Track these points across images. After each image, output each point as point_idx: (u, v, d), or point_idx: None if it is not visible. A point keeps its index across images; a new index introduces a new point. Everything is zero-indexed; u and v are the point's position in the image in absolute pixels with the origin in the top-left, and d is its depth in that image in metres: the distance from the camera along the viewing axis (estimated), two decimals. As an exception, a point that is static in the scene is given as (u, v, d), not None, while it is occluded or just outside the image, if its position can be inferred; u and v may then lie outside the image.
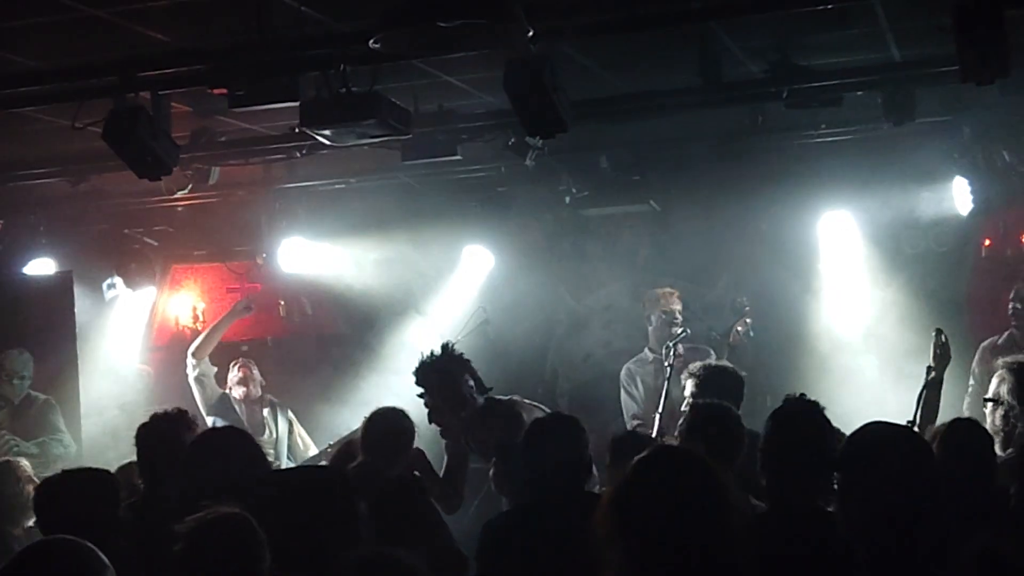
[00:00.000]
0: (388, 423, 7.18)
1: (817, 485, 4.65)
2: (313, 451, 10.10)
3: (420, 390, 7.86)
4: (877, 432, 4.36)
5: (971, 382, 9.23)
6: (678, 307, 10.04)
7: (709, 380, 7.24)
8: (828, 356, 10.49)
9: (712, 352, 9.54)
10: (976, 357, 9.41)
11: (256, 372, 10.73)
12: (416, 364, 7.89)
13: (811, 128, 9.36)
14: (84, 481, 5.57)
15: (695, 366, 7.64)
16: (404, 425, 7.19)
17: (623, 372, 10.06)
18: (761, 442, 5.22)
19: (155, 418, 6.37)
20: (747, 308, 9.99)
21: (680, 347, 9.49)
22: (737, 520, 3.46)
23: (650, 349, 10.09)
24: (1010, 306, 9.57)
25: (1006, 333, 9.55)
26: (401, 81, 7.85)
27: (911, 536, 4.12)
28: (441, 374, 7.79)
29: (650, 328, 10.14)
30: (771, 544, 4.40)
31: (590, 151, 10.05)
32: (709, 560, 3.37)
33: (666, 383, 8.70)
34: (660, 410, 8.48)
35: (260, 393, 10.66)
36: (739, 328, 9.88)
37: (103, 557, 3.66)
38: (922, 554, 4.05)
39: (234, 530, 4.24)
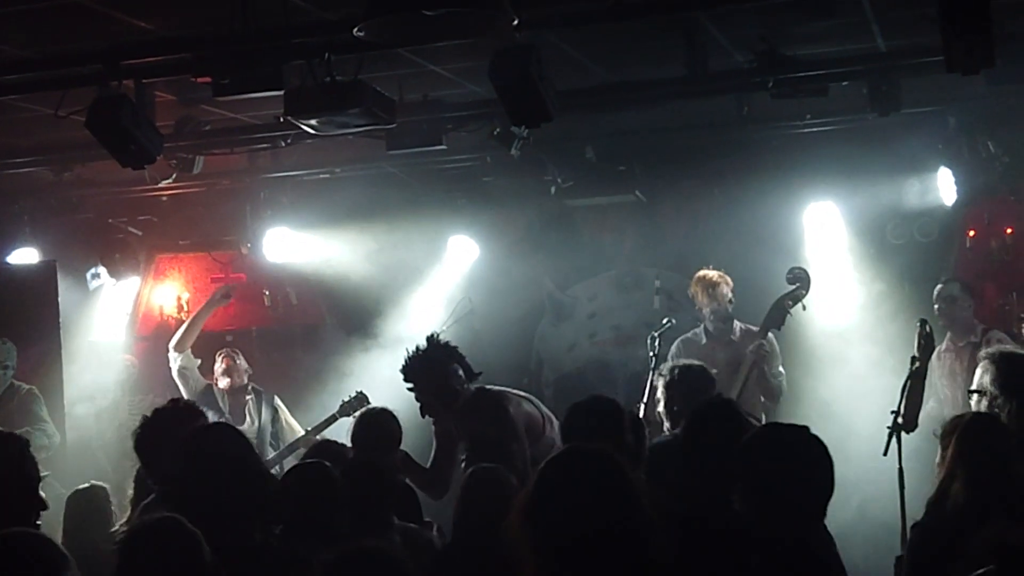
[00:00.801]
0: (376, 423, 7.33)
1: (732, 486, 4.69)
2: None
3: (409, 384, 7.85)
4: (774, 434, 4.42)
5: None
6: (729, 294, 9.61)
7: (677, 380, 7.27)
8: (813, 346, 10.48)
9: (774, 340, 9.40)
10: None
11: (241, 361, 10.69)
12: (403, 360, 7.88)
13: (796, 118, 9.34)
14: None
15: (664, 367, 7.69)
16: (391, 427, 7.33)
17: (673, 347, 9.65)
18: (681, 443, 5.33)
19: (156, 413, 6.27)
20: (798, 284, 9.22)
21: (738, 327, 9.53)
22: (648, 518, 3.46)
23: (706, 332, 9.74)
24: (935, 307, 9.37)
25: (945, 339, 9.41)
26: (386, 70, 7.83)
27: (808, 531, 4.17)
28: (428, 368, 7.77)
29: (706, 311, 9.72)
30: (687, 546, 4.43)
31: (576, 141, 10.03)
32: (618, 558, 3.38)
33: (651, 373, 8.68)
34: (644, 400, 8.46)
35: (244, 382, 10.62)
36: (789, 302, 9.19)
37: (64, 550, 3.61)
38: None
39: (164, 535, 4.21)
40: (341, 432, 8.78)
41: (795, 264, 9.58)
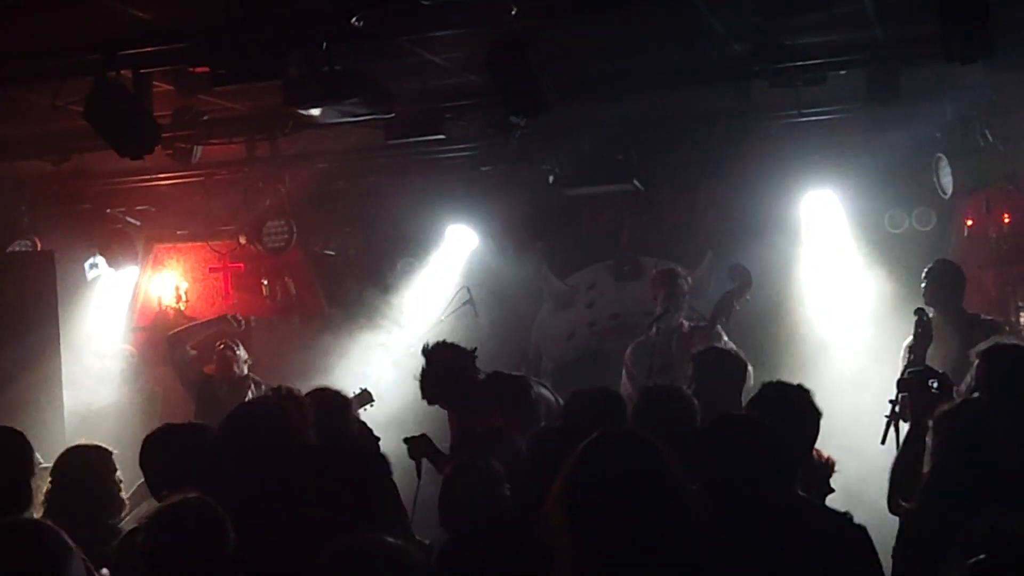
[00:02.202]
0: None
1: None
2: None
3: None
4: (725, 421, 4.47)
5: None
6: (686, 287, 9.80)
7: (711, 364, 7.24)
8: (810, 335, 10.51)
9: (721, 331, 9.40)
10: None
11: (241, 352, 10.65)
12: (418, 383, 7.87)
13: (794, 107, 9.32)
14: None
15: (698, 350, 7.67)
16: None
17: (628, 352, 9.72)
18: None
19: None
20: (740, 281, 9.53)
21: (686, 324, 9.47)
22: (688, 501, 3.47)
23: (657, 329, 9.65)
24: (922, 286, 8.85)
25: None
26: (385, 60, 7.82)
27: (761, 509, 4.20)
28: (444, 379, 7.76)
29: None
30: None
31: (573, 130, 10.02)
32: (659, 542, 3.39)
33: (649, 361, 8.68)
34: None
35: (244, 372, 10.60)
36: (735, 296, 9.46)
37: (68, 540, 3.57)
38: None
39: (193, 515, 4.24)
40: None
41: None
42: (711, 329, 9.17)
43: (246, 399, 10.29)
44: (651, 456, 3.55)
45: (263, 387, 10.54)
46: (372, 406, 8.54)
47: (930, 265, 8.83)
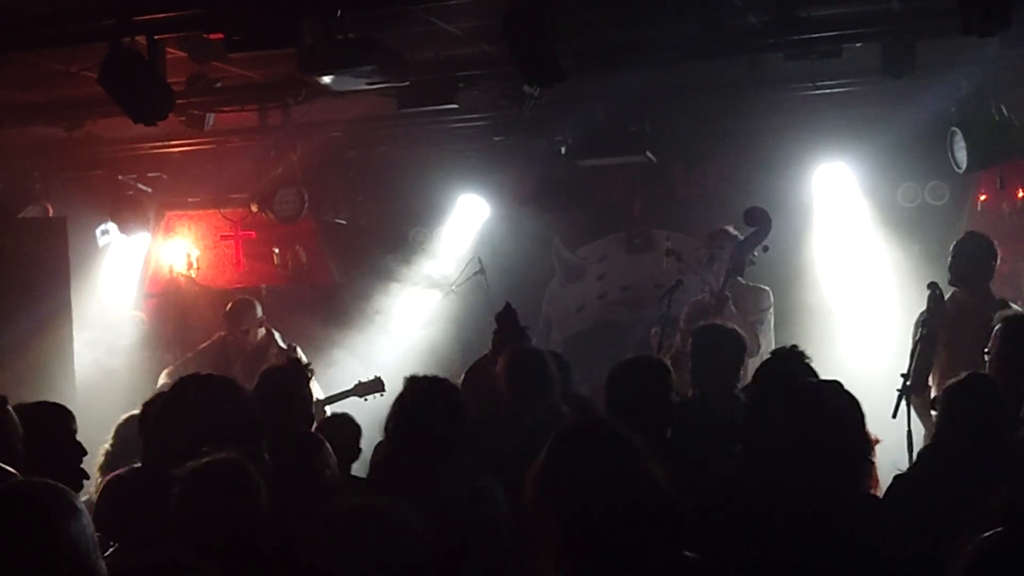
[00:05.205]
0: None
1: None
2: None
3: None
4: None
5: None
6: None
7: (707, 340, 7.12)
8: (822, 308, 10.50)
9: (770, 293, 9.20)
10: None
11: (258, 310, 10.33)
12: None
13: (809, 80, 9.29)
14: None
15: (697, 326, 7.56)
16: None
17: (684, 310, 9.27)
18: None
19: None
20: (756, 227, 8.80)
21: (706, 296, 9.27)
22: (654, 481, 3.52)
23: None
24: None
25: None
26: (398, 28, 7.81)
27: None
28: None
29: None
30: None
31: (587, 101, 10.00)
32: (628, 521, 3.46)
33: (660, 332, 8.67)
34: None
35: (263, 333, 10.30)
36: (752, 256, 8.87)
37: (75, 501, 3.49)
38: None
39: (229, 474, 4.26)
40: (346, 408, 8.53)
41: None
42: (725, 286, 8.74)
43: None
44: (615, 442, 3.67)
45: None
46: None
47: (958, 239, 8.42)
